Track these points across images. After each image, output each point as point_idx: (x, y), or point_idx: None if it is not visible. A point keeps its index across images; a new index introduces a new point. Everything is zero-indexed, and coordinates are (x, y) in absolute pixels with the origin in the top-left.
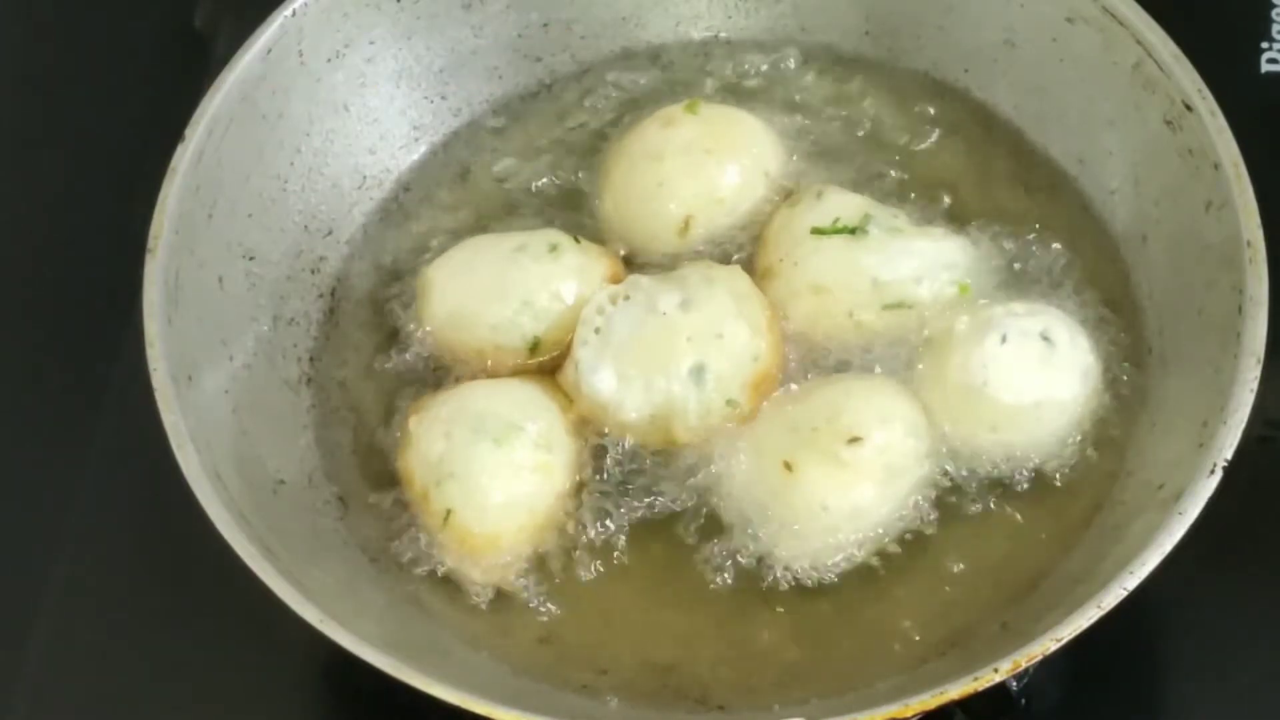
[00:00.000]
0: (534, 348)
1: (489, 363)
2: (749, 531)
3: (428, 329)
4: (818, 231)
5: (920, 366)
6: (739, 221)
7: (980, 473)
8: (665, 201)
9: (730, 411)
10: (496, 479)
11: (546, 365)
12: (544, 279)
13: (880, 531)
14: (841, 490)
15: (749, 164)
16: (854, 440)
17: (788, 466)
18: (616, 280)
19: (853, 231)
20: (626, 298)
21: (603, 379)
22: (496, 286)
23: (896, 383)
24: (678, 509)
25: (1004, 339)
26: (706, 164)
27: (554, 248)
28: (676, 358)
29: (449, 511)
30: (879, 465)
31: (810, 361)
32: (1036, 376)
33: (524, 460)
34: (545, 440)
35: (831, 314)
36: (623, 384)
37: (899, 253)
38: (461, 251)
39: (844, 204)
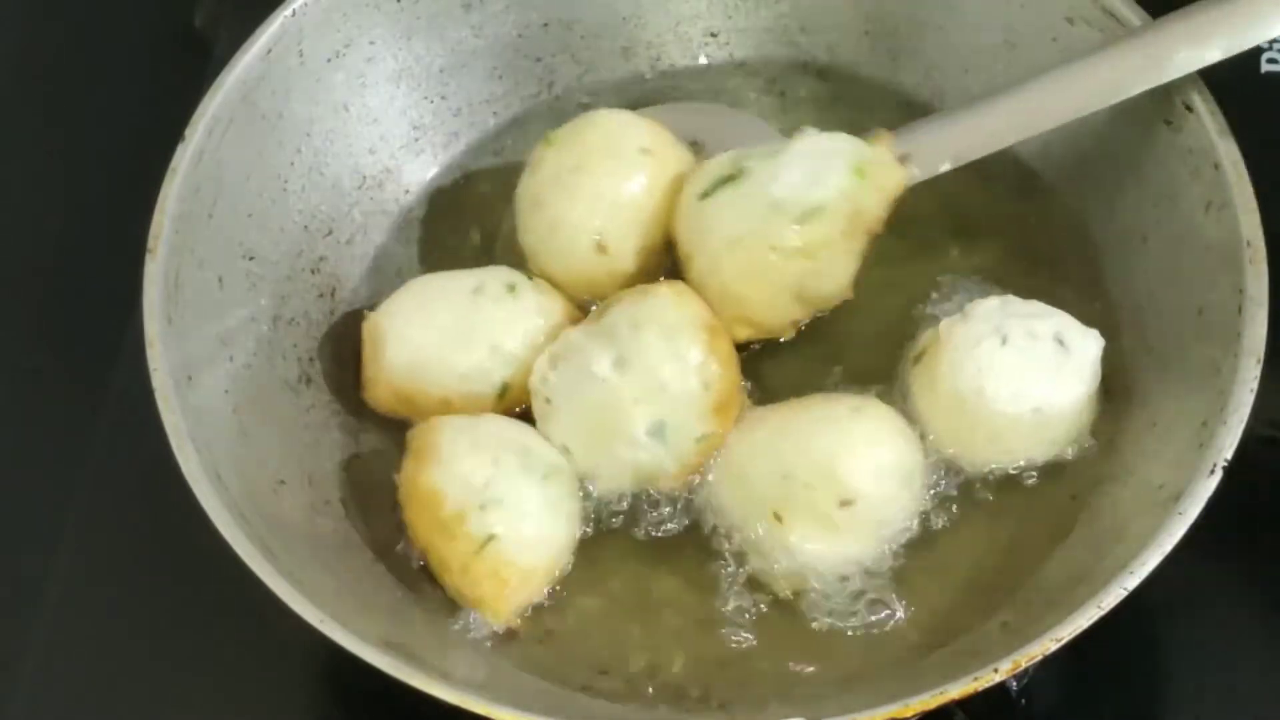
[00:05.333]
0: (503, 393)
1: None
2: (748, 549)
3: (382, 381)
4: (704, 195)
5: (911, 375)
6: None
7: (979, 476)
8: (573, 237)
9: (706, 445)
10: (544, 514)
11: (513, 410)
12: (507, 322)
13: (872, 558)
14: (832, 546)
15: (624, 157)
16: (846, 503)
17: (777, 517)
18: (574, 317)
19: (731, 178)
20: (565, 359)
21: (572, 451)
22: (460, 332)
23: (890, 415)
24: (676, 526)
25: (1004, 341)
26: (581, 182)
27: (511, 288)
28: (630, 424)
29: (491, 537)
30: (871, 522)
31: (775, 341)
32: (1038, 382)
33: (562, 504)
34: (575, 486)
35: (759, 260)
36: (590, 455)
37: (782, 167)
38: (411, 296)
39: (720, 162)
